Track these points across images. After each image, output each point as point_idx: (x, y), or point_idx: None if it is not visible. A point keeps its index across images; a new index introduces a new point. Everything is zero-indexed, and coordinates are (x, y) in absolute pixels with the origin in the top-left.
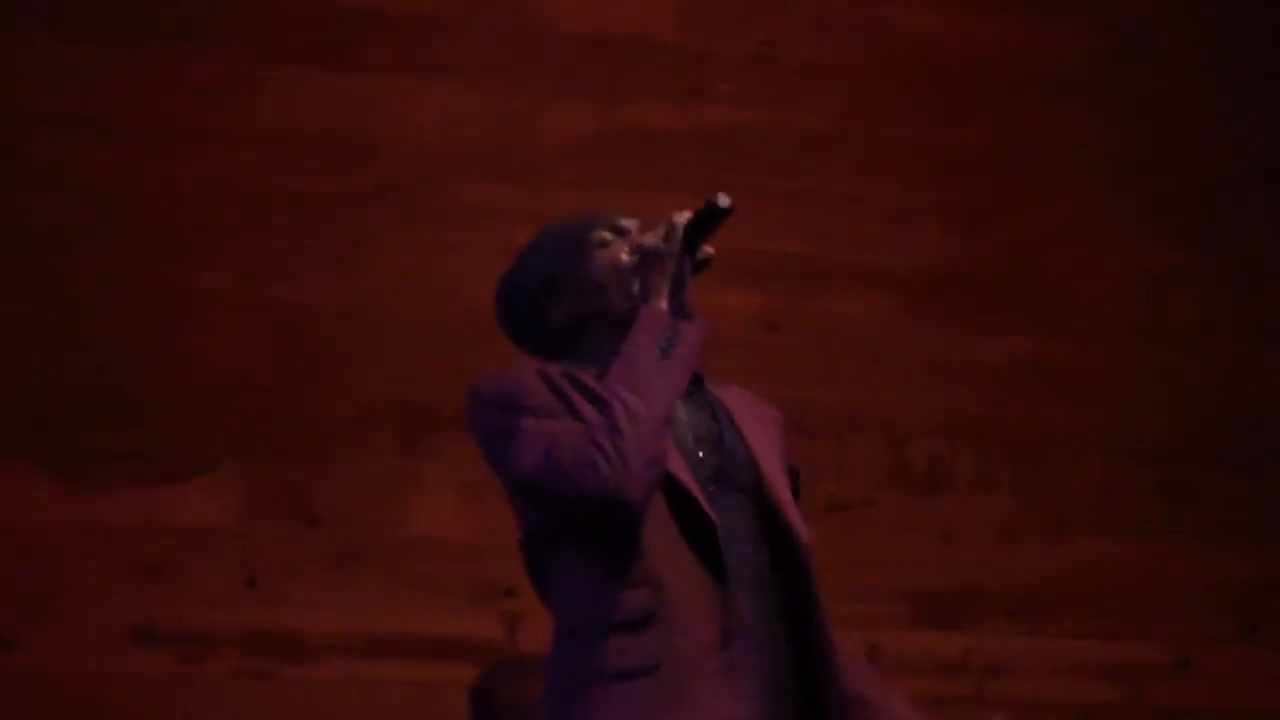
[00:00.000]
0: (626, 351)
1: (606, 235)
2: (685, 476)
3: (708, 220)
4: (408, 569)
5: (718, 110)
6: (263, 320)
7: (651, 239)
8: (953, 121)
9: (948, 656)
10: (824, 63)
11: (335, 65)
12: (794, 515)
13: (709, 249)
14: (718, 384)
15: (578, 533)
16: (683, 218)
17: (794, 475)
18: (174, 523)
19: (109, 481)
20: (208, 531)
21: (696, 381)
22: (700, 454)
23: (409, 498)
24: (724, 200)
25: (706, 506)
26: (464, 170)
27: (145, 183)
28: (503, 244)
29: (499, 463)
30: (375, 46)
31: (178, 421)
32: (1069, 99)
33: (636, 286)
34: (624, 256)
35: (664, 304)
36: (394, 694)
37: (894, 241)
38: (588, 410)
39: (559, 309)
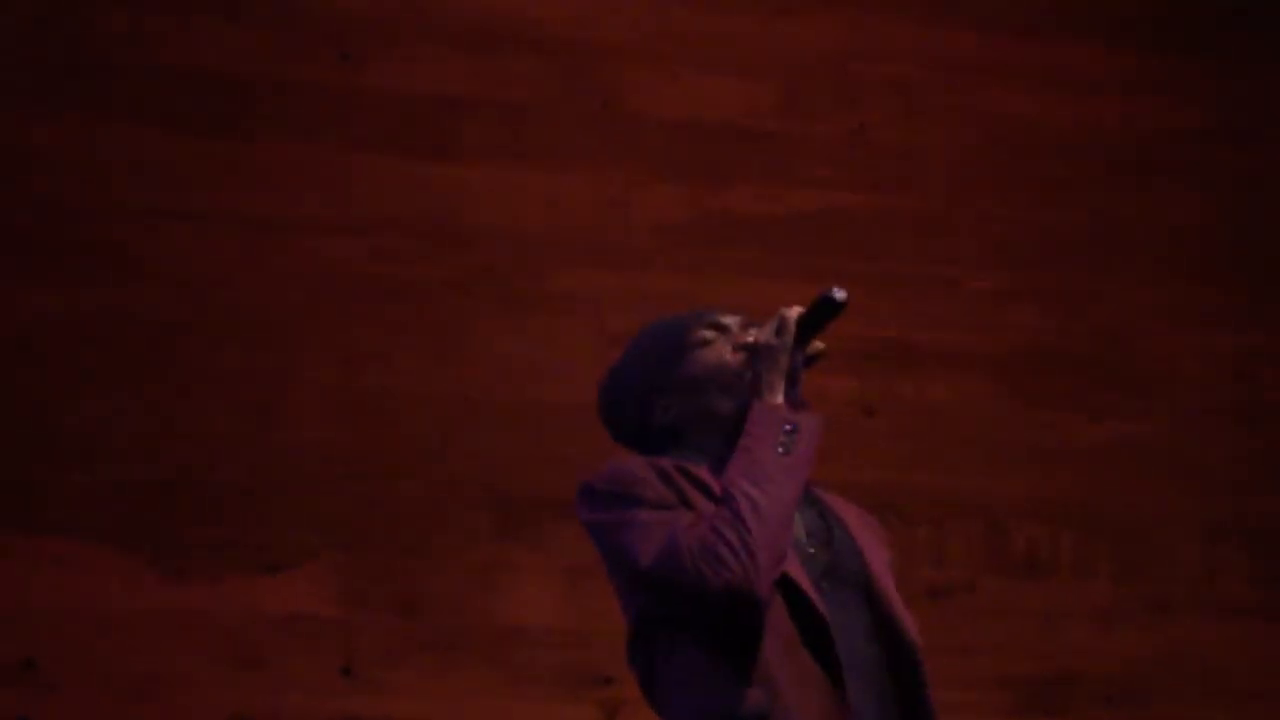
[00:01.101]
0: (745, 446)
1: (708, 334)
2: (798, 573)
3: (821, 313)
4: (505, 657)
5: (811, 195)
6: (359, 408)
7: (757, 335)
8: (1047, 203)
9: None
10: (917, 147)
11: (429, 153)
12: (904, 612)
13: (820, 344)
14: (817, 485)
15: (696, 626)
16: (794, 312)
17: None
18: (272, 611)
19: (208, 570)
20: (305, 619)
21: None
22: (811, 550)
23: (506, 585)
24: (840, 294)
25: (820, 604)
26: (558, 256)
27: (242, 273)
28: (596, 329)
29: (614, 553)
30: (469, 134)
31: (276, 510)
32: (1163, 179)
33: (746, 382)
34: (728, 356)
35: (779, 399)
36: None
37: (990, 324)
38: (702, 503)
39: (661, 409)
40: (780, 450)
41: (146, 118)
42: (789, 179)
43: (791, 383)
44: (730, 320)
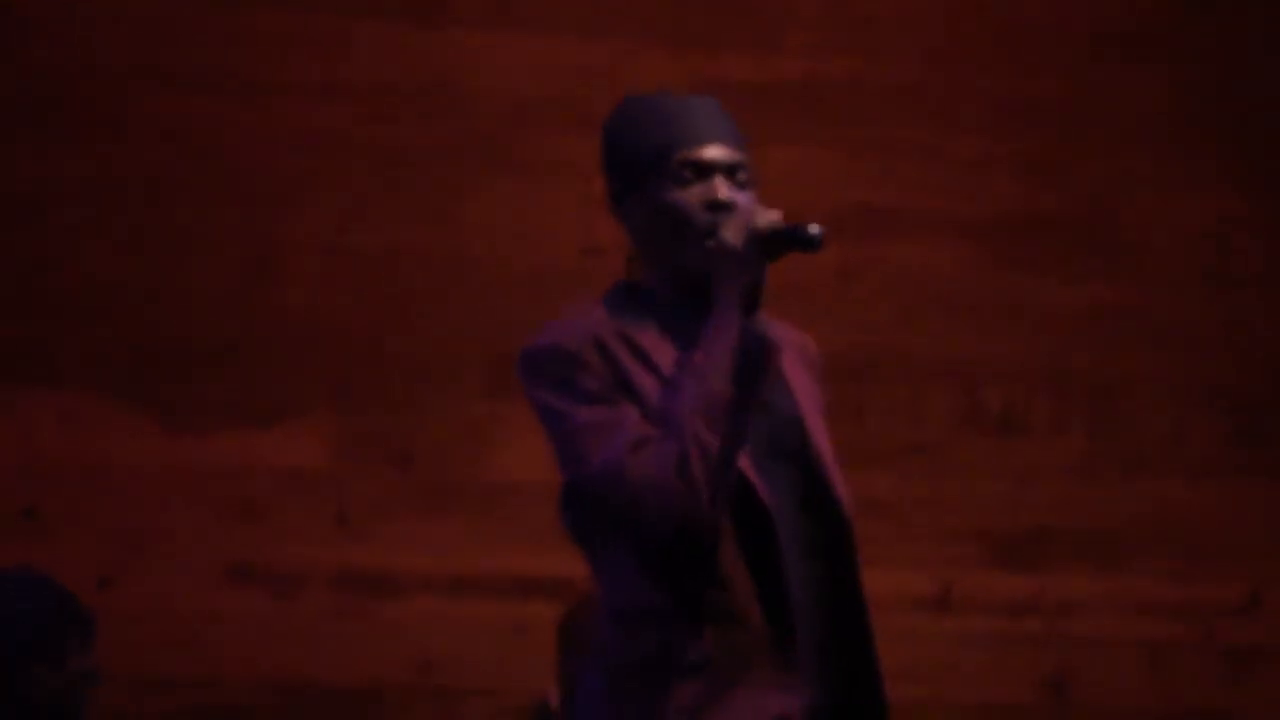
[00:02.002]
0: (698, 368)
1: (686, 173)
2: (744, 460)
3: (791, 243)
4: (496, 509)
5: (795, 63)
6: (353, 268)
7: (725, 228)
8: (1030, 73)
9: (1019, 597)
10: (901, 15)
11: (421, 20)
12: (840, 485)
13: (818, 228)
14: (760, 322)
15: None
16: (764, 221)
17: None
18: (268, 464)
19: (205, 424)
20: (301, 472)
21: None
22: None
23: (497, 440)
24: (815, 230)
25: (766, 499)
26: (547, 121)
27: (238, 135)
28: (583, 194)
29: (556, 441)
30: (462, 1)
31: (272, 366)
32: (1144, 50)
33: (705, 249)
34: (698, 211)
35: (736, 314)
36: (481, 630)
37: (970, 191)
38: (643, 382)
39: (632, 212)
40: (735, 384)
41: None
42: (776, 46)
43: (751, 301)
44: (715, 160)
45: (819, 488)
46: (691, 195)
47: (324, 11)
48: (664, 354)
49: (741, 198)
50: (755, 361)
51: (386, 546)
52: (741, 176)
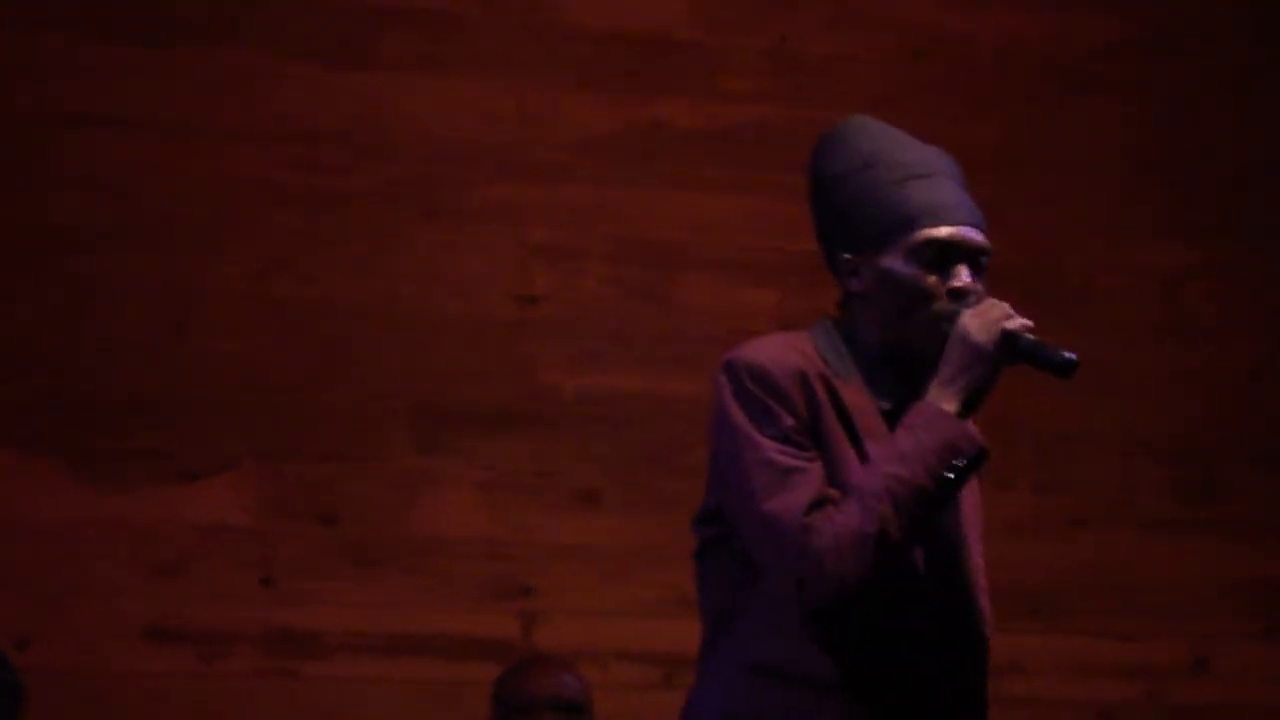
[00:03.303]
0: (906, 453)
1: (931, 252)
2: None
3: (1040, 361)
4: (425, 567)
5: (734, 107)
6: (280, 318)
7: (974, 322)
8: (971, 117)
9: None
10: (841, 59)
11: (353, 62)
12: (986, 618)
13: (1073, 356)
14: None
15: None
16: (1017, 325)
17: None
18: (191, 520)
19: (126, 479)
20: (224, 529)
21: None
22: None
23: (426, 496)
24: (1071, 357)
25: (930, 592)
26: (481, 168)
27: (163, 180)
28: (519, 241)
29: (731, 460)
30: (393, 43)
31: (195, 419)
32: (1087, 95)
33: (938, 335)
34: (939, 293)
35: (958, 409)
36: (410, 692)
37: None
38: (833, 436)
39: (847, 264)
40: (938, 483)
41: (63, 22)
42: (713, 91)
43: (974, 401)
44: (962, 242)
45: (964, 594)
46: (931, 277)
47: (249, 52)
48: (864, 416)
49: (979, 286)
50: (964, 463)
51: (314, 606)
52: (983, 261)
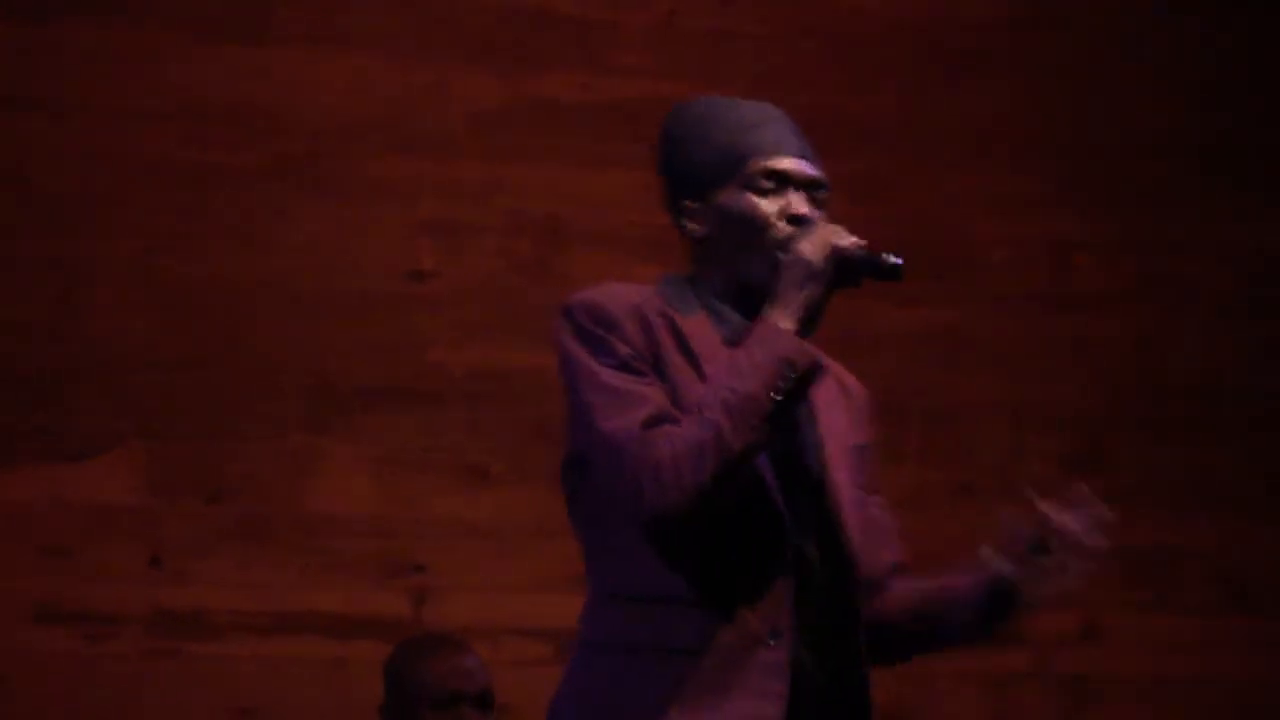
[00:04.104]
0: (740, 368)
1: (766, 183)
2: (763, 465)
3: (870, 270)
4: (314, 545)
5: (622, 82)
6: (166, 295)
7: (804, 241)
8: (861, 90)
9: None
10: (729, 33)
11: (240, 37)
12: (849, 522)
13: (899, 259)
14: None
15: None
16: (847, 242)
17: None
18: (78, 500)
19: (12, 459)
20: (111, 509)
21: None
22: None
23: (315, 473)
24: (897, 260)
25: (779, 502)
26: (368, 142)
27: (50, 158)
28: (408, 216)
29: (573, 394)
30: (282, 19)
31: (80, 398)
32: (975, 68)
33: (777, 262)
34: (776, 221)
35: (793, 326)
36: (300, 671)
37: None
38: (677, 369)
39: (688, 212)
40: (773, 393)
41: None
42: (602, 66)
43: (809, 319)
44: (795, 171)
45: (828, 516)
46: (769, 205)
47: (135, 28)
48: (703, 343)
49: (818, 215)
50: (798, 376)
51: (202, 585)
52: (820, 195)
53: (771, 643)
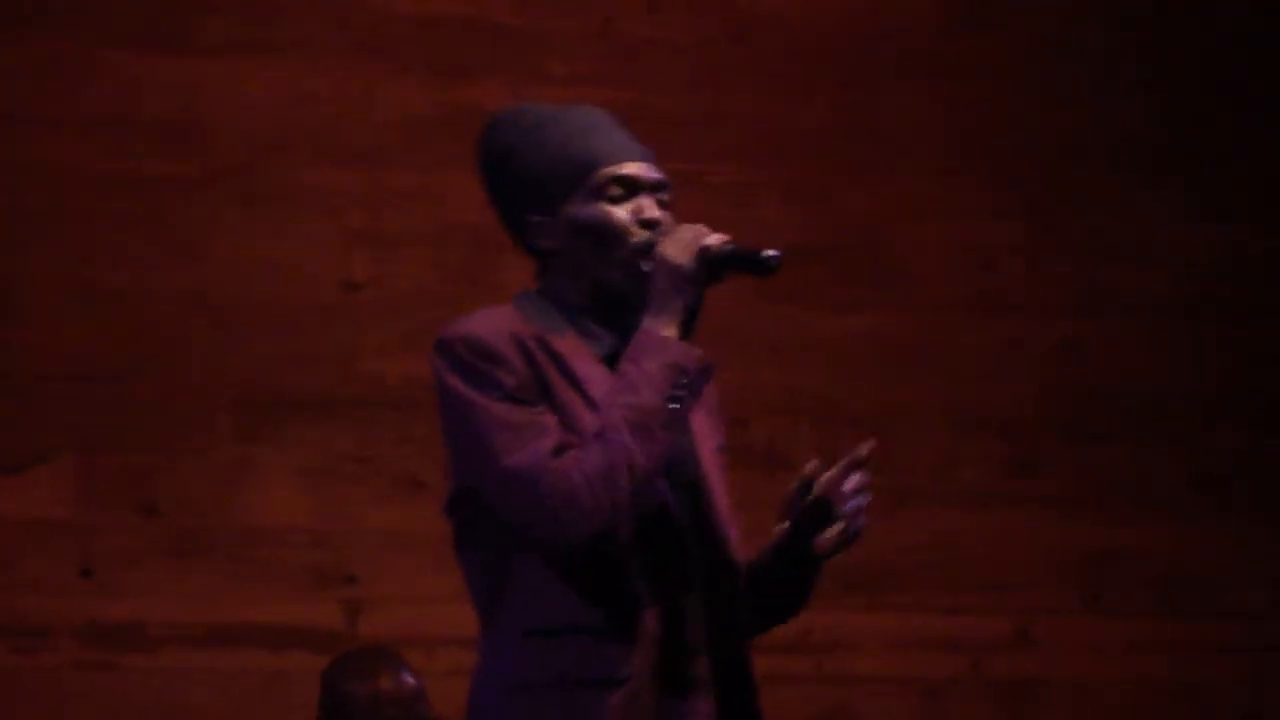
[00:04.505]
0: (633, 382)
1: (615, 190)
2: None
3: (744, 265)
4: (247, 557)
5: (554, 91)
6: (97, 307)
7: (668, 244)
8: (792, 98)
9: (787, 634)
10: (663, 42)
11: (169, 48)
12: (727, 524)
13: (775, 252)
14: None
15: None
16: (714, 240)
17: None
18: (9, 513)
19: None
20: (44, 521)
21: None
22: None
23: (247, 485)
24: (772, 253)
25: (677, 516)
26: (299, 153)
27: None
28: (338, 226)
29: (464, 434)
30: (209, 28)
31: (13, 411)
32: (906, 73)
33: (640, 270)
34: (632, 228)
35: (674, 332)
36: (234, 683)
37: (733, 220)
38: (563, 392)
39: (534, 227)
40: (670, 401)
41: None
42: (535, 74)
43: (688, 321)
44: (643, 176)
45: (708, 521)
46: (622, 213)
47: (65, 39)
48: (581, 364)
49: (668, 217)
50: (690, 379)
51: (134, 597)
52: (666, 197)
53: (689, 661)
